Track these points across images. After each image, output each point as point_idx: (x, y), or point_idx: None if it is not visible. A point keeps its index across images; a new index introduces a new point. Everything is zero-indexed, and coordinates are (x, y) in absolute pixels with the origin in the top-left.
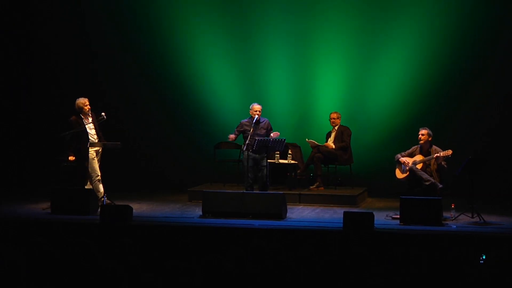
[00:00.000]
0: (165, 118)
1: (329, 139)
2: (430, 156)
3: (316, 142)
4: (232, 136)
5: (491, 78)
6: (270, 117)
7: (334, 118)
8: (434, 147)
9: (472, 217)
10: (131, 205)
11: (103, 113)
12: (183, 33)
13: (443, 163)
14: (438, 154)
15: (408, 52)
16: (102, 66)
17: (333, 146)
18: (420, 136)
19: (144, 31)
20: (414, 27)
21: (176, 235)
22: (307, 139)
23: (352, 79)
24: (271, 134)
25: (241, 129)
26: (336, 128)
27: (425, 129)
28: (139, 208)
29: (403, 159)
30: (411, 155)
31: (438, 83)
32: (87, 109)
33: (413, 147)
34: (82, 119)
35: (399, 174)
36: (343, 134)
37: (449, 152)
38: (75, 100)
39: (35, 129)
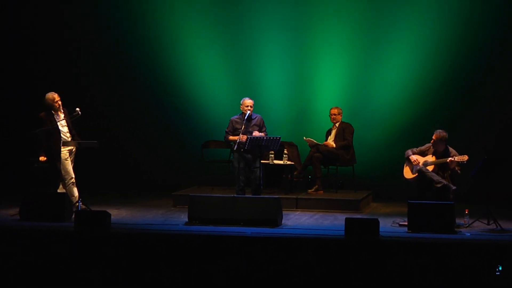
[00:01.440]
0: (149, 114)
1: (329, 137)
2: (444, 159)
3: (314, 141)
4: (232, 137)
5: (507, 71)
6: (264, 113)
7: (334, 114)
8: (450, 149)
9: (488, 224)
10: (109, 210)
11: (77, 109)
12: (168, 24)
13: (456, 168)
14: (453, 158)
15: (417, 42)
16: (82, 61)
17: (334, 145)
18: (435, 137)
19: (129, 24)
20: (425, 14)
21: (158, 244)
22: (304, 138)
23: (355, 71)
24: (253, 134)
25: (232, 127)
26: (337, 125)
27: (437, 132)
28: (118, 214)
29: (413, 157)
30: (423, 154)
31: (449, 75)
32: (58, 105)
33: (427, 145)
34: (53, 115)
35: (407, 173)
36: (344, 132)
37: (465, 157)
38: (45, 95)
39: (1, 127)
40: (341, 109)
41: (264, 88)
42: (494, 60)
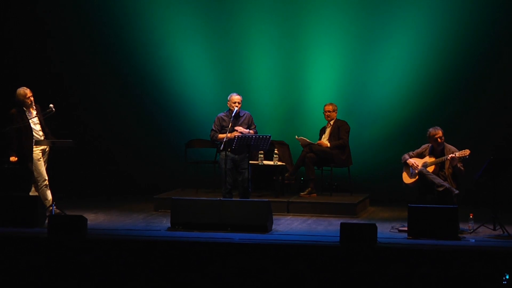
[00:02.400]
0: (129, 111)
1: (323, 136)
2: (443, 157)
3: (307, 140)
4: (221, 135)
5: None
6: (253, 110)
7: (329, 111)
8: (448, 146)
9: (494, 229)
10: (85, 215)
11: (51, 105)
12: (150, 15)
13: (459, 165)
14: (453, 155)
15: (417, 33)
16: (58, 53)
17: (328, 144)
18: (436, 137)
19: (108, 17)
20: (424, 5)
21: (139, 252)
22: (296, 136)
23: (351, 64)
24: (237, 128)
25: (218, 125)
26: (331, 123)
27: (439, 129)
28: (95, 219)
29: (411, 160)
30: (421, 156)
31: (451, 69)
32: (30, 101)
33: (423, 146)
34: (24, 112)
35: (406, 179)
36: (340, 130)
37: (466, 152)
38: (16, 91)
39: None
40: (336, 106)
41: (253, 83)
42: (500, 53)
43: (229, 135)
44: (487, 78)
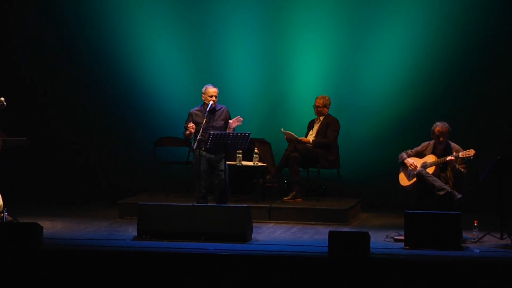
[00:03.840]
0: (94, 106)
1: (310, 132)
2: (446, 157)
3: (294, 135)
4: (190, 129)
5: None
6: (229, 104)
7: (319, 106)
8: (453, 144)
9: (502, 238)
10: (40, 222)
11: (1, 98)
12: (117, 7)
13: (459, 167)
14: (453, 157)
15: (416, 20)
16: (23, 51)
17: (310, 140)
18: (439, 134)
19: (71, 5)
20: None
21: (101, 264)
22: (282, 129)
23: (341, 54)
24: (230, 122)
25: (192, 121)
26: (321, 118)
27: (446, 125)
28: (51, 226)
29: (409, 160)
30: (420, 155)
31: (454, 60)
32: None
33: (424, 144)
34: None
35: (403, 180)
36: (328, 128)
37: (471, 152)
38: None
39: None
40: (329, 100)
41: (230, 74)
42: (507, 42)
43: (232, 124)
44: (493, 70)
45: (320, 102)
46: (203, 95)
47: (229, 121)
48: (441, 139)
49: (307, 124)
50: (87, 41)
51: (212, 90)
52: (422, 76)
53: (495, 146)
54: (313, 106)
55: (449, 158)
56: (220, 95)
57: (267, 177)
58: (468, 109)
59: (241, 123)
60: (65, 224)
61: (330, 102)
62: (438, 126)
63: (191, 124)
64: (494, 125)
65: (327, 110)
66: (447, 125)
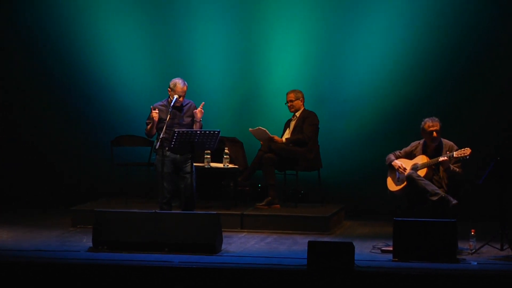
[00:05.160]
0: (46, 101)
1: (286, 132)
2: (439, 158)
3: (266, 131)
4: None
5: None
6: (196, 99)
7: (291, 100)
8: (445, 142)
9: (502, 249)
10: None
11: None
12: None
13: (452, 167)
14: (446, 157)
15: (405, 6)
16: None
17: (283, 140)
18: (431, 130)
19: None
20: None
21: (52, 278)
22: (250, 129)
23: (321, 43)
24: (195, 112)
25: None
26: (297, 114)
27: (437, 120)
28: None
29: (397, 162)
30: (410, 156)
31: (447, 52)
32: None
33: (413, 144)
34: None
35: (391, 185)
36: (304, 123)
37: (467, 151)
38: None
39: None
40: (301, 93)
41: (197, 66)
42: (503, 38)
43: (198, 114)
44: (487, 62)
45: (291, 95)
46: (169, 90)
47: (194, 110)
48: (434, 134)
49: (283, 124)
50: (44, 35)
51: (180, 84)
52: (412, 67)
53: (491, 145)
54: (285, 103)
55: (441, 158)
56: (187, 89)
57: (239, 179)
58: (462, 104)
59: (202, 114)
60: (12, 233)
61: (303, 95)
62: (428, 121)
63: (155, 112)
64: (490, 122)
65: (301, 104)
66: (437, 119)
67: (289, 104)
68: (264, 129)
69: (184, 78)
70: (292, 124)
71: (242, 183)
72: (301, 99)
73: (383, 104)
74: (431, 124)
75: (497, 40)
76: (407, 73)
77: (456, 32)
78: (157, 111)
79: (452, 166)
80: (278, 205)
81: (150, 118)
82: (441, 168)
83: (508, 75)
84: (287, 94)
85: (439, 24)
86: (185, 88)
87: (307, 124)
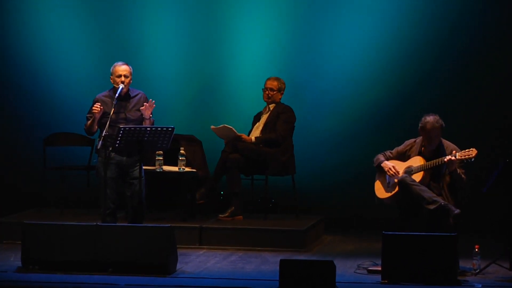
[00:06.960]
0: None
1: (255, 126)
2: (438, 160)
3: (232, 128)
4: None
5: None
6: (146, 90)
7: (272, 90)
8: (446, 143)
9: (511, 269)
10: None
11: None
12: None
13: (459, 171)
14: (452, 157)
15: None
16: None
17: (252, 139)
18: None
19: None
20: None
21: None
22: (212, 127)
23: (295, 26)
24: (142, 109)
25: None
26: (271, 107)
27: (438, 118)
28: None
29: (387, 163)
30: (403, 157)
31: (441, 41)
32: None
33: (408, 143)
34: None
35: (380, 191)
36: (278, 119)
37: (472, 152)
38: None
39: None
40: (283, 83)
41: (147, 53)
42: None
43: (146, 111)
44: (489, 53)
45: (274, 84)
46: (111, 76)
47: (141, 108)
48: (433, 135)
49: (252, 118)
50: None
51: (121, 68)
52: (400, 56)
53: (492, 146)
54: (262, 89)
55: (448, 158)
56: (136, 79)
57: (200, 190)
58: (458, 98)
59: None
60: None
61: (285, 88)
62: (428, 119)
63: (97, 106)
64: (490, 119)
65: (280, 97)
66: (438, 118)
67: (267, 92)
68: (230, 127)
69: (134, 69)
70: (264, 118)
71: (204, 195)
72: (282, 91)
73: (368, 98)
74: (433, 121)
75: (494, 29)
76: (394, 64)
77: (449, 20)
78: (100, 104)
79: (459, 170)
80: (241, 216)
81: (91, 112)
82: (441, 172)
83: (504, 67)
84: (267, 80)
85: (432, 12)
86: (126, 67)
87: (282, 121)
